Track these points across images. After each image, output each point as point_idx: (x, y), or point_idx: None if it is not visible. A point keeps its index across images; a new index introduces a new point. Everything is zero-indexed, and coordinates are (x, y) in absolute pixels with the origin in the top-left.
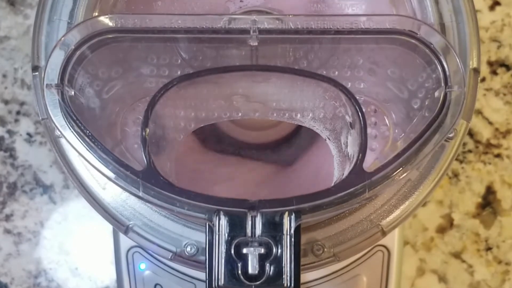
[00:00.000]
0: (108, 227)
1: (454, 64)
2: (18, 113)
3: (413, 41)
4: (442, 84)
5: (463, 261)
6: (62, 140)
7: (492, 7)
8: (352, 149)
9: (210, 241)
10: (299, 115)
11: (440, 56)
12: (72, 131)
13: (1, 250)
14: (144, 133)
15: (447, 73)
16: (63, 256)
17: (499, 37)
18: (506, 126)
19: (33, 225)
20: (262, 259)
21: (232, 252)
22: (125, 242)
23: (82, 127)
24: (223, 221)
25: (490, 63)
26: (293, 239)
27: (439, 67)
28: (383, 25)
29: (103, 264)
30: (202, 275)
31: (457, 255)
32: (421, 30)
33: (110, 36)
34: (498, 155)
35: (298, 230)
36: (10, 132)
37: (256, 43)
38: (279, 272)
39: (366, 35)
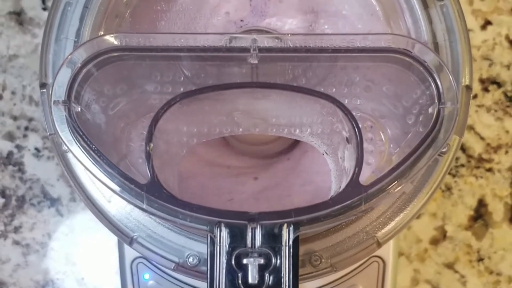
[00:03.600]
0: (113, 239)
1: (447, 81)
2: (26, 128)
3: (407, 59)
4: (436, 101)
5: (456, 272)
6: (69, 155)
7: (483, 27)
8: (349, 163)
9: (212, 252)
10: (297, 131)
11: (433, 74)
12: (78, 146)
13: (10, 261)
14: (148, 148)
15: (441, 90)
16: (69, 266)
17: (491, 55)
18: (497, 141)
19: (40, 237)
20: (261, 269)
21: (233, 262)
22: (130, 253)
23: (88, 142)
24: (224, 232)
25: (482, 81)
26: (291, 250)
27: (432, 84)
28: (379, 43)
29: (109, 274)
30: (204, 285)
31: (450, 266)
32: (415, 48)
33: (115, 54)
34: (489, 170)
35: (296, 241)
36: (18, 147)
37: (256, 61)
38: (278, 282)
39: (362, 53)
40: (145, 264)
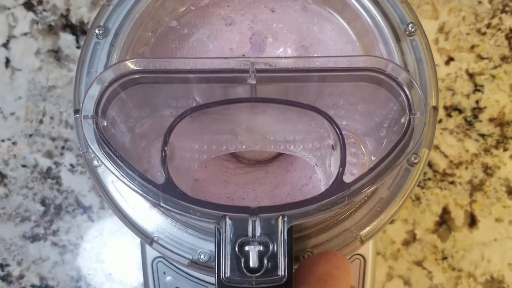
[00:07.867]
0: (136, 240)
1: (417, 96)
2: (63, 148)
3: (382, 76)
4: (407, 111)
5: (424, 268)
6: (99, 170)
7: (447, 62)
8: (334, 167)
9: (218, 241)
10: (292, 147)
11: (404, 87)
12: (103, 154)
13: (49, 259)
14: (163, 153)
15: (411, 101)
16: (99, 264)
17: (453, 86)
18: (459, 158)
19: (75, 239)
20: (261, 255)
21: (236, 249)
22: (151, 252)
23: (113, 150)
24: (229, 224)
25: (445, 108)
26: (286, 239)
27: (404, 96)
28: (358, 64)
29: (132, 271)
30: (213, 280)
31: (419, 263)
32: (389, 67)
33: (136, 76)
34: (452, 182)
35: (290, 231)
36: (56, 164)
37: (254, 82)
38: (275, 266)
39: (344, 72)
40: (163, 263)
